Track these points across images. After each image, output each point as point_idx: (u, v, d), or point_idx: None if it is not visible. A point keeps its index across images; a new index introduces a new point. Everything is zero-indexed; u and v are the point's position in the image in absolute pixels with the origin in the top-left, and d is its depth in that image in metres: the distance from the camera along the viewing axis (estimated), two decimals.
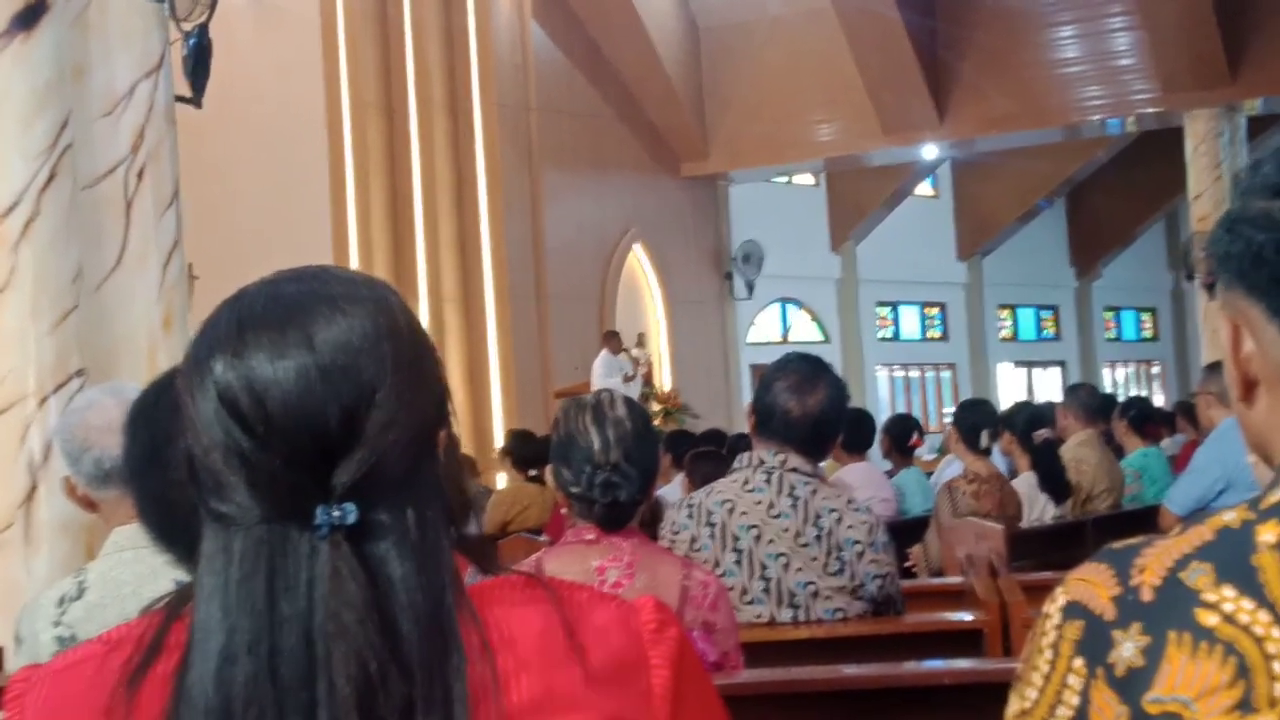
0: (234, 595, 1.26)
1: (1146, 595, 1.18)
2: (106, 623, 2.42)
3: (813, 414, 4.02)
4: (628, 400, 3.26)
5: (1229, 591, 1.15)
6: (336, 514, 1.26)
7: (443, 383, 1.40)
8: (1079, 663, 1.20)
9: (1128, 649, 1.16)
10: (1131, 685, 1.15)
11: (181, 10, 6.25)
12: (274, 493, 1.27)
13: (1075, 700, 1.20)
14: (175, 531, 2.31)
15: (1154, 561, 1.20)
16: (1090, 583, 1.22)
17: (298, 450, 1.27)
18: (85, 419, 2.88)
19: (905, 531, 7.04)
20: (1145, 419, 9.20)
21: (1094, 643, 1.19)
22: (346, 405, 1.28)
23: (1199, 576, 1.17)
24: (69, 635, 2.67)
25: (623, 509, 3.12)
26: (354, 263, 17.61)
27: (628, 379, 17.89)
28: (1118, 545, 1.26)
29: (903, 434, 8.90)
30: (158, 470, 2.32)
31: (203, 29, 6.27)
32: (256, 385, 1.28)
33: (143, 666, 1.31)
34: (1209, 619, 1.14)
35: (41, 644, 2.68)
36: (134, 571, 2.69)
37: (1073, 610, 1.22)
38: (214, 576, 1.28)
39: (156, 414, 2.37)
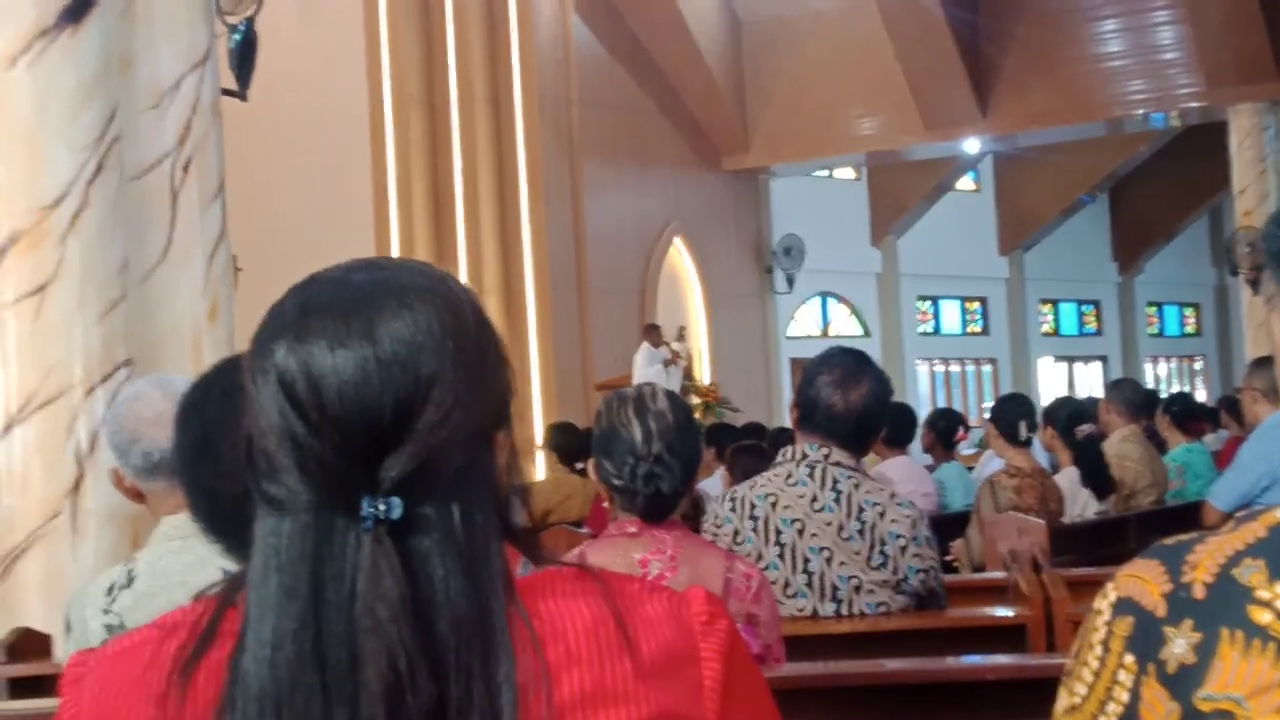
0: (283, 579, 1.27)
1: (1199, 592, 1.18)
2: (155, 611, 2.44)
3: (856, 408, 4.01)
4: (669, 393, 3.26)
5: None
6: (382, 507, 1.26)
7: (507, 385, 1.40)
8: (1130, 659, 1.20)
9: (1179, 645, 1.16)
10: (1183, 682, 1.15)
11: (228, 4, 6.27)
12: (323, 480, 1.27)
13: (1125, 696, 1.20)
14: (225, 523, 2.32)
15: (1206, 558, 1.20)
16: (1141, 579, 1.22)
17: (350, 440, 1.27)
18: (133, 410, 2.89)
19: (946, 526, 7.02)
20: (1188, 414, 9.17)
21: (1145, 639, 1.19)
22: (402, 399, 1.28)
23: (1252, 573, 1.16)
24: (118, 623, 2.69)
25: (665, 500, 3.12)
26: (395, 255, 17.63)
27: (667, 364, 17.86)
28: (1169, 541, 1.25)
29: (949, 428, 8.89)
30: (208, 463, 2.33)
31: (250, 22, 6.30)
32: (314, 372, 1.28)
33: (197, 653, 1.31)
34: (1262, 616, 1.14)
35: (90, 631, 2.71)
36: (182, 560, 2.71)
37: (1124, 606, 1.22)
38: (264, 559, 1.29)
39: (206, 407, 2.39)
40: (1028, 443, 6.69)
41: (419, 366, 1.29)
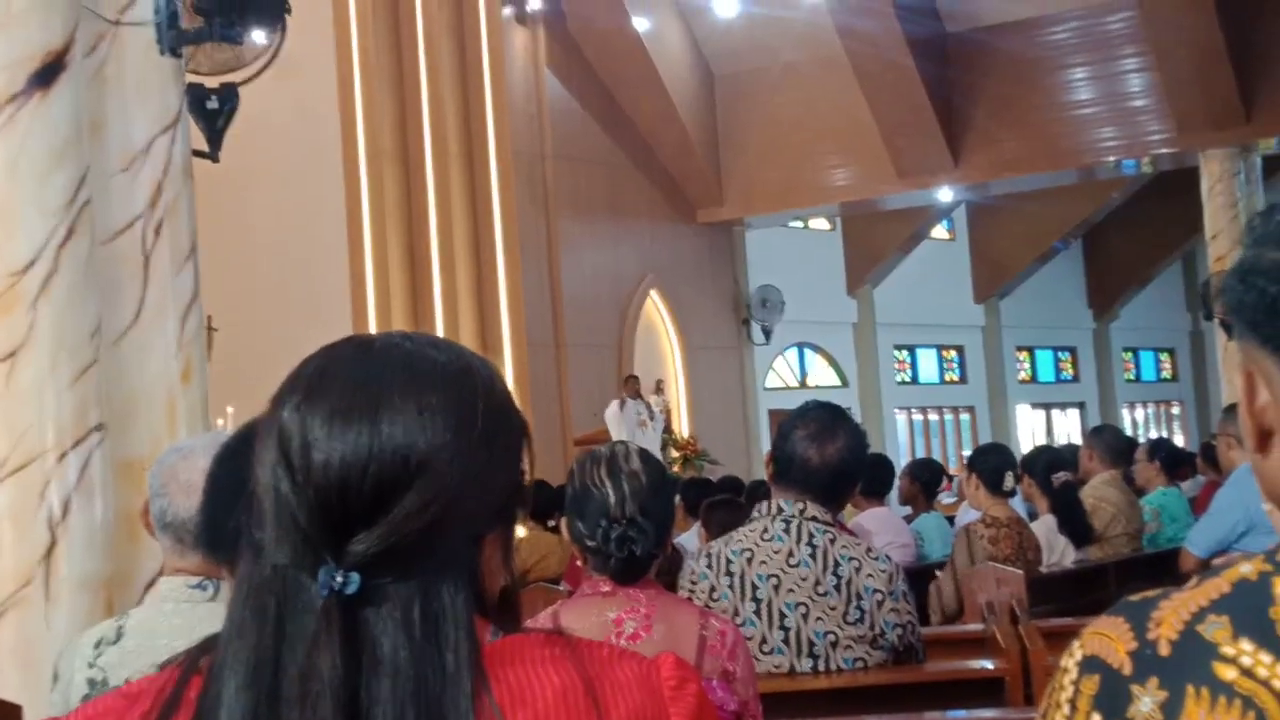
0: (246, 623, 1.30)
1: (1164, 649, 1.17)
2: (139, 670, 2.44)
3: (832, 463, 4.01)
4: (642, 452, 3.24)
5: (1247, 645, 1.14)
6: (339, 580, 1.27)
7: (513, 486, 1.40)
8: (1097, 718, 1.19)
9: (1146, 704, 1.16)
10: None
11: (206, 65, 6.27)
12: (295, 538, 1.29)
13: None
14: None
15: (1171, 615, 1.19)
16: (1107, 636, 1.22)
17: (325, 507, 1.29)
18: (174, 466, 2.85)
19: (925, 576, 7.01)
20: (1177, 462, 9.15)
21: (1111, 697, 1.18)
22: (385, 480, 1.30)
23: (1216, 629, 1.16)
24: (100, 679, 2.69)
25: (638, 563, 3.11)
26: (371, 313, 17.65)
27: (642, 424, 17.66)
28: (1135, 598, 1.25)
29: (933, 479, 8.88)
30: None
31: (232, 89, 6.29)
32: (309, 435, 1.31)
33: None
34: (1227, 673, 1.14)
35: (74, 685, 2.71)
36: (171, 624, 2.71)
37: (1090, 664, 1.21)
38: (237, 602, 1.32)
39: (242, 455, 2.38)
40: (1011, 493, 6.68)
41: (411, 453, 1.31)
